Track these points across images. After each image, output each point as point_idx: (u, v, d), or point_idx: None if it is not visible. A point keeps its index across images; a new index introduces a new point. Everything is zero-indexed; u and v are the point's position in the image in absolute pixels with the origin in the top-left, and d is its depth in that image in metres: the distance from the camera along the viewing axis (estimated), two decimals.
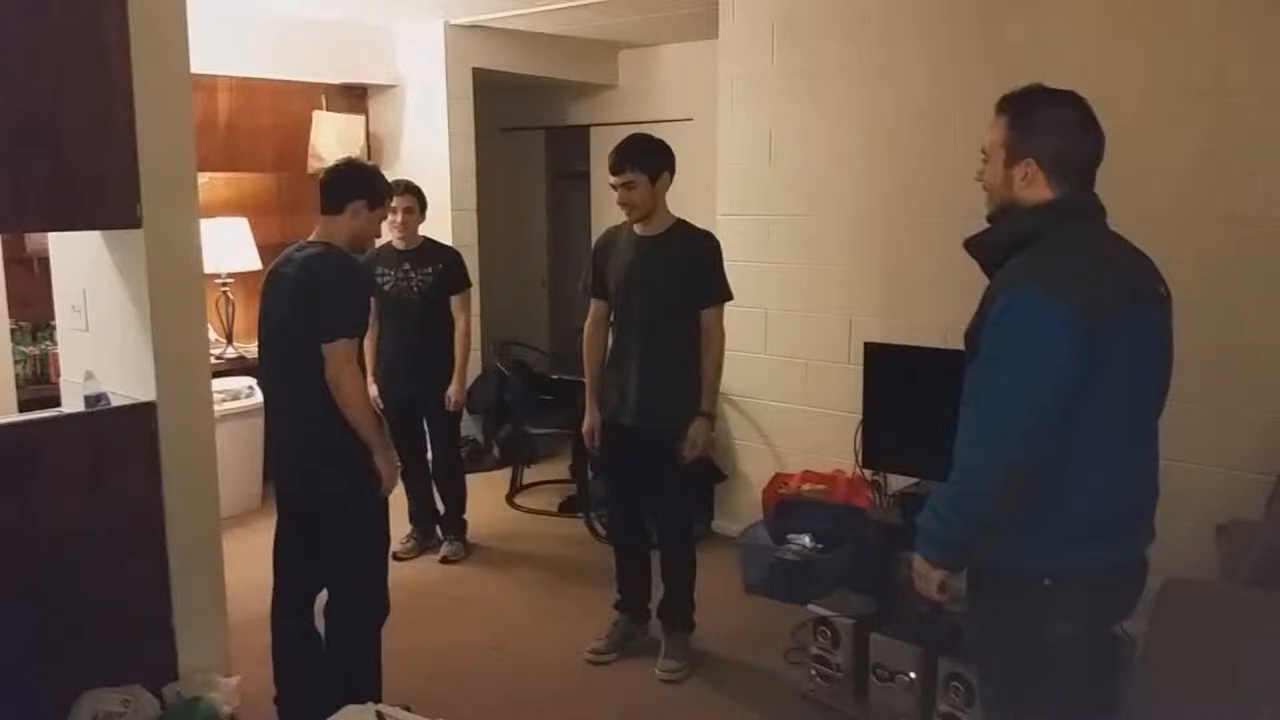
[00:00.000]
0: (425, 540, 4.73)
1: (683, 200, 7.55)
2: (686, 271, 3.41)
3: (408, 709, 2.98)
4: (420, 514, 4.73)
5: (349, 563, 2.99)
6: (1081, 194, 2.02)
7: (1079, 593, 1.97)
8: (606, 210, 7.42)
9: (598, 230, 7.38)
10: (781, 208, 4.58)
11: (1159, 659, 2.20)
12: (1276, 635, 2.11)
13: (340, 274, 2.87)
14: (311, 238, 2.95)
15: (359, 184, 2.96)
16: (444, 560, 4.62)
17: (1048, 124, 2.00)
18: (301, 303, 2.81)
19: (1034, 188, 1.99)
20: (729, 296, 3.51)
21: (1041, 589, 1.96)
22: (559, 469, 5.84)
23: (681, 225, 3.48)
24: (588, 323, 3.65)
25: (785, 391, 4.66)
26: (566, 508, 5.34)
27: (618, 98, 7.15)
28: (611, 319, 3.61)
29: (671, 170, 3.42)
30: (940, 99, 4.02)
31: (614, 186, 3.38)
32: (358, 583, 3.01)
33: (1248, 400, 3.44)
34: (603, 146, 7.38)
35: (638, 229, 3.46)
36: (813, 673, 3.37)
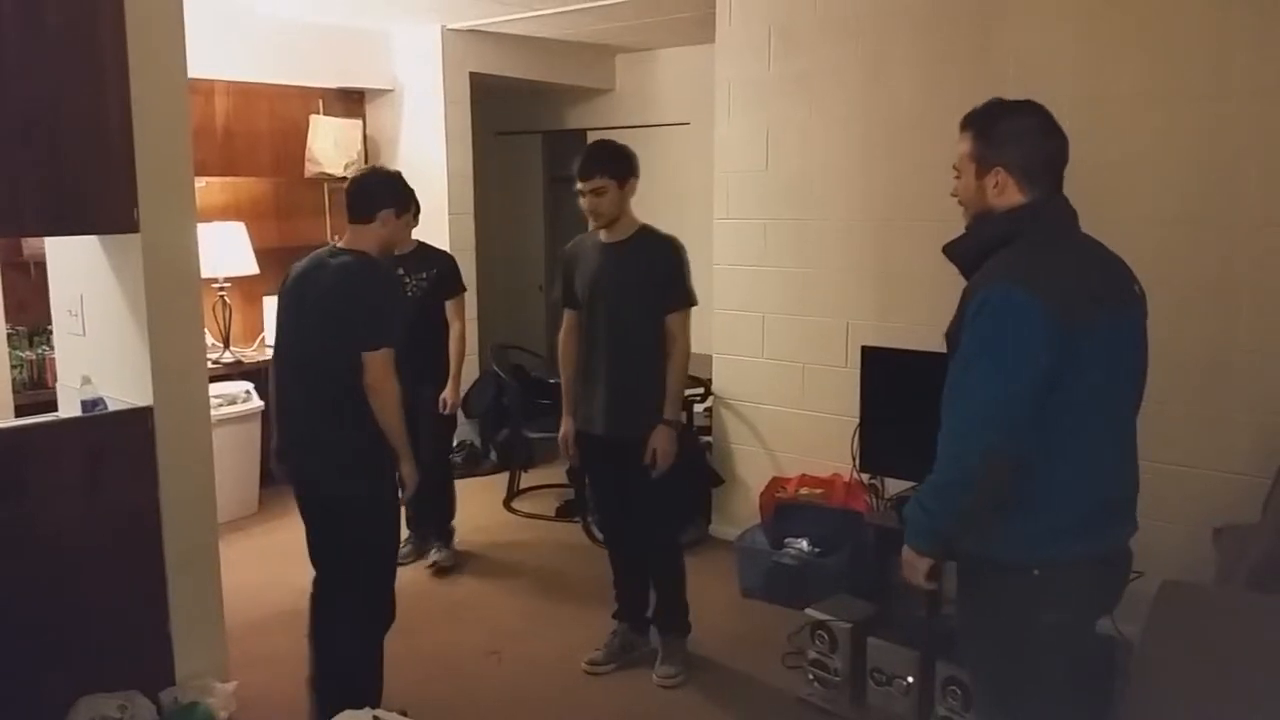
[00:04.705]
0: (423, 545, 4.72)
1: (680, 204, 7.56)
2: (651, 278, 3.35)
3: (404, 714, 2.99)
4: (418, 518, 4.71)
5: (363, 566, 3.01)
6: (1051, 197, 2.09)
7: (1066, 582, 2.04)
8: None
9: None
10: (778, 211, 4.59)
11: (1156, 662, 2.20)
12: (1273, 638, 2.11)
13: (380, 284, 2.93)
14: (341, 245, 2.98)
15: (387, 192, 3.01)
16: (433, 566, 4.58)
17: (1011, 133, 2.09)
18: (339, 311, 2.83)
19: (1006, 194, 2.08)
20: (693, 302, 3.43)
21: (1030, 579, 2.03)
22: (556, 473, 5.84)
23: (645, 231, 3.43)
24: (562, 332, 3.59)
25: (782, 395, 4.66)
26: (564, 512, 5.34)
27: (614, 102, 7.16)
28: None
29: (637, 176, 3.37)
30: (937, 103, 4.02)
31: (581, 193, 3.32)
32: (370, 587, 3.03)
33: (1244, 403, 3.44)
34: None
35: (603, 236, 3.40)
36: (810, 677, 3.37)
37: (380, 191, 3.01)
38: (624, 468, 3.44)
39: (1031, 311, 1.92)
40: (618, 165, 3.32)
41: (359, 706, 2.84)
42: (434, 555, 4.63)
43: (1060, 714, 2.16)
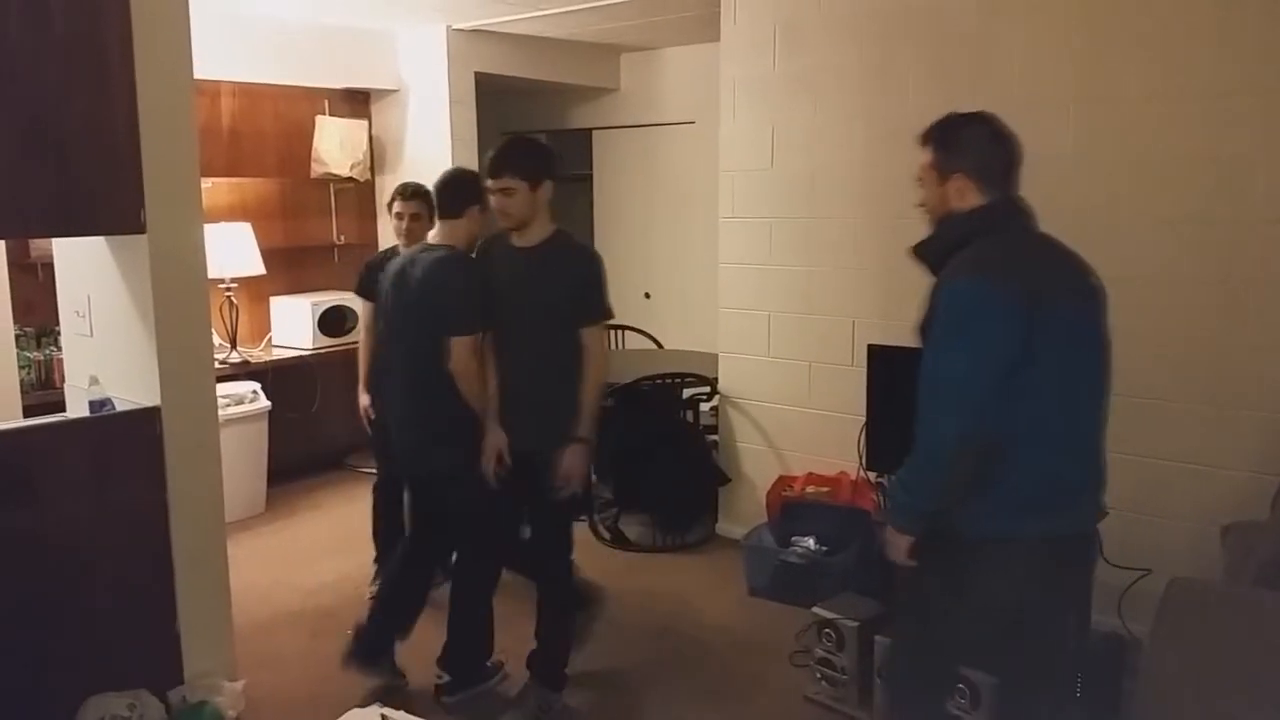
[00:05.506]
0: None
1: (685, 203, 7.52)
2: (564, 286, 3.10)
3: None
4: (389, 554, 4.00)
5: (461, 530, 3.35)
6: (1008, 198, 2.28)
7: (1018, 558, 2.20)
8: (609, 213, 7.45)
9: (601, 233, 7.42)
10: (783, 210, 4.58)
11: (1164, 659, 2.20)
12: None
13: (468, 275, 3.17)
14: (432, 240, 3.29)
15: (473, 189, 3.30)
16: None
17: (968, 141, 2.29)
18: (431, 300, 3.14)
19: (967, 197, 2.26)
20: (608, 315, 3.21)
21: (984, 553, 2.21)
22: None
23: (560, 236, 3.17)
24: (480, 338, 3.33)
25: (788, 394, 4.66)
26: None
27: (619, 101, 7.16)
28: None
29: (554, 178, 3.12)
30: (941, 101, 3.97)
31: (490, 192, 3.11)
32: (472, 550, 3.35)
33: (1251, 400, 3.43)
34: (605, 150, 7.40)
35: (515, 240, 3.15)
36: (817, 675, 3.37)
37: (469, 189, 3.29)
38: (531, 487, 3.16)
39: (993, 302, 2.10)
40: (529, 165, 3.08)
41: (478, 677, 3.36)
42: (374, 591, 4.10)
43: (958, 681, 2.42)
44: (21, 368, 4.51)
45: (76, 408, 3.24)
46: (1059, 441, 2.20)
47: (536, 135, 7.60)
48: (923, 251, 2.34)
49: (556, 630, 3.31)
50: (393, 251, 4.22)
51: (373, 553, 4.28)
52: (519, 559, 3.48)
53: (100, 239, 3.14)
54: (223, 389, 4.66)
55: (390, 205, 4.14)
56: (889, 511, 2.31)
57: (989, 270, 2.14)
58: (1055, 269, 2.23)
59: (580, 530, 5.03)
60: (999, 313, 2.10)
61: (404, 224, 4.11)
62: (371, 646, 3.41)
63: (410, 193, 4.12)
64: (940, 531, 2.25)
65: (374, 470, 4.35)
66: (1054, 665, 2.52)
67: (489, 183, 3.13)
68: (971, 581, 2.25)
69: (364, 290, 4.20)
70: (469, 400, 3.15)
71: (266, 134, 5.90)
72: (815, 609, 3.41)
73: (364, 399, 4.24)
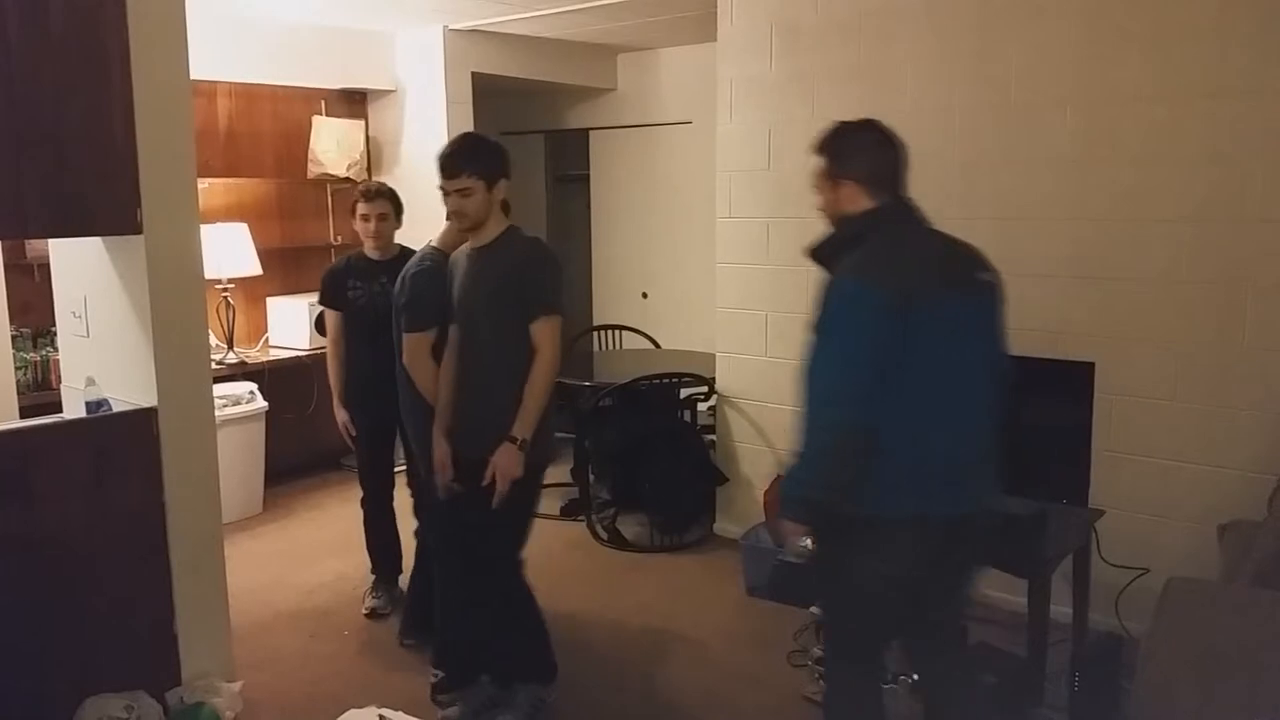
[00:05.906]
0: (393, 590, 4.15)
1: (682, 203, 7.51)
2: (512, 281, 2.99)
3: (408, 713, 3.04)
4: (384, 565, 4.17)
5: (443, 528, 3.43)
6: (896, 199, 2.41)
7: (898, 537, 2.31)
8: (606, 213, 7.45)
9: (598, 233, 7.43)
10: (780, 210, 4.58)
11: (1162, 658, 2.20)
12: (1278, 635, 2.11)
13: (421, 276, 3.21)
14: (434, 243, 3.31)
15: None
16: (372, 614, 4.07)
17: (856, 148, 2.44)
18: (397, 297, 3.29)
19: (858, 201, 2.40)
20: (555, 311, 3.02)
21: (865, 532, 2.32)
22: (560, 472, 5.82)
23: (511, 232, 3.07)
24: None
25: (786, 393, 4.64)
26: (569, 511, 5.34)
27: (617, 101, 7.16)
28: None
29: (508, 177, 3.02)
30: (937, 101, 4.02)
31: (444, 191, 2.98)
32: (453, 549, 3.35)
33: (1249, 400, 3.44)
34: (602, 150, 7.40)
35: (471, 241, 3.09)
36: (815, 675, 3.37)
37: None
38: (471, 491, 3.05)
39: (867, 299, 2.23)
40: (488, 164, 2.97)
41: (472, 675, 3.31)
42: (371, 601, 4.13)
43: (879, 656, 2.58)
44: (18, 368, 4.50)
45: (73, 408, 3.24)
46: (944, 427, 2.30)
47: (533, 135, 7.64)
48: (816, 253, 2.46)
49: (521, 627, 3.25)
50: (358, 257, 4.02)
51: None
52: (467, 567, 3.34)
53: (97, 240, 3.14)
54: (220, 389, 4.65)
55: (354, 209, 3.95)
56: (780, 503, 2.40)
57: (869, 269, 2.27)
58: (942, 265, 2.35)
59: (578, 530, 5.07)
60: (870, 310, 2.22)
61: (371, 225, 3.92)
62: (421, 616, 3.60)
63: (374, 193, 3.94)
64: (831, 515, 2.34)
65: None
66: (954, 641, 2.64)
67: (443, 183, 3.01)
68: (863, 561, 2.35)
69: (330, 299, 3.97)
70: (426, 398, 3.19)
71: (263, 134, 5.89)
72: (813, 608, 3.41)
73: (341, 414, 4.00)
